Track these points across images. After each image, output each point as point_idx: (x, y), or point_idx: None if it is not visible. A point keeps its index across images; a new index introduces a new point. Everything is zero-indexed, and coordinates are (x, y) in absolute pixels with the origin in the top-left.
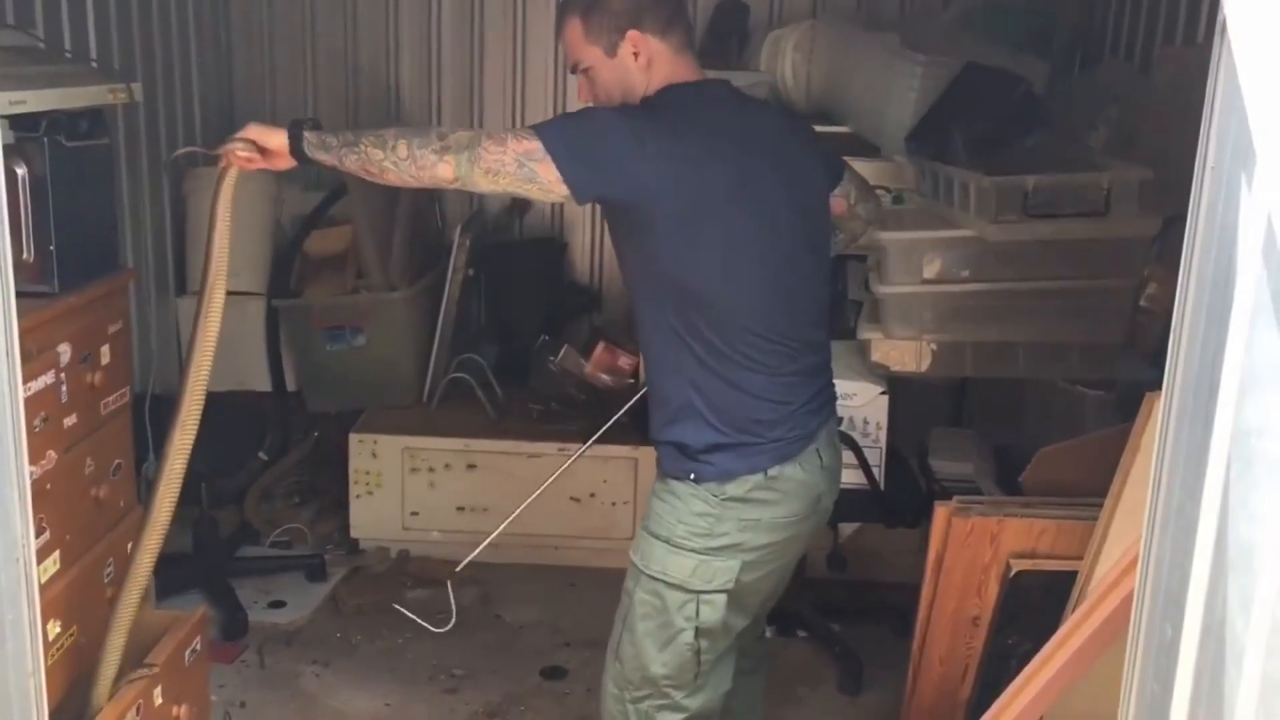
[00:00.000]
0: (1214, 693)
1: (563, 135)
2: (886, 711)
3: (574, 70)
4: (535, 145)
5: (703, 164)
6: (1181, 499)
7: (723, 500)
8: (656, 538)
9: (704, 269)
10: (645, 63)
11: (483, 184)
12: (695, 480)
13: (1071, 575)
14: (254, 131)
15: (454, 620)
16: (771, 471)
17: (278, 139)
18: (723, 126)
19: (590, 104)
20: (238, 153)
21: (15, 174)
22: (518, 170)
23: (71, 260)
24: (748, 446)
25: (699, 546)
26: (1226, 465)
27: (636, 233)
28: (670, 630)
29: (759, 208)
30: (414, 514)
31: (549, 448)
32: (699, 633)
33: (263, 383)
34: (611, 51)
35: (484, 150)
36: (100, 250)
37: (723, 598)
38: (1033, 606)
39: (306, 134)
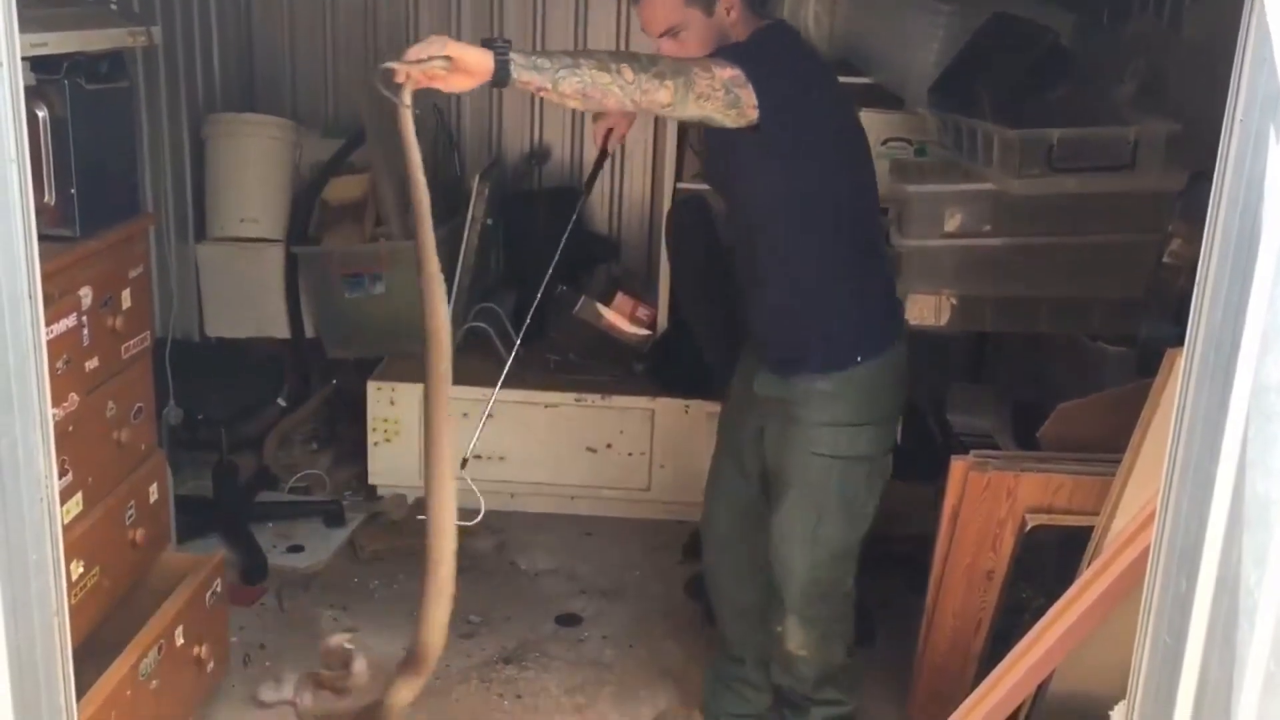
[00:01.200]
0: (1226, 646)
1: (753, 65)
2: (899, 663)
3: (663, 34)
4: (738, 73)
5: (822, 91)
6: (1200, 454)
7: (881, 369)
8: (843, 425)
9: (841, 184)
10: (736, 17)
11: (691, 109)
12: (860, 360)
13: (1087, 530)
14: (454, 48)
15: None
16: (899, 341)
17: (481, 57)
18: (814, 58)
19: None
20: (435, 69)
21: (36, 116)
22: (725, 95)
23: (92, 204)
24: (885, 323)
25: (877, 416)
26: (1245, 421)
27: (786, 159)
28: (867, 495)
29: (854, 130)
30: None
31: (565, 398)
32: (881, 494)
33: (281, 330)
34: (709, 11)
35: (696, 77)
36: (120, 194)
37: (890, 457)
38: (1047, 561)
39: (514, 54)
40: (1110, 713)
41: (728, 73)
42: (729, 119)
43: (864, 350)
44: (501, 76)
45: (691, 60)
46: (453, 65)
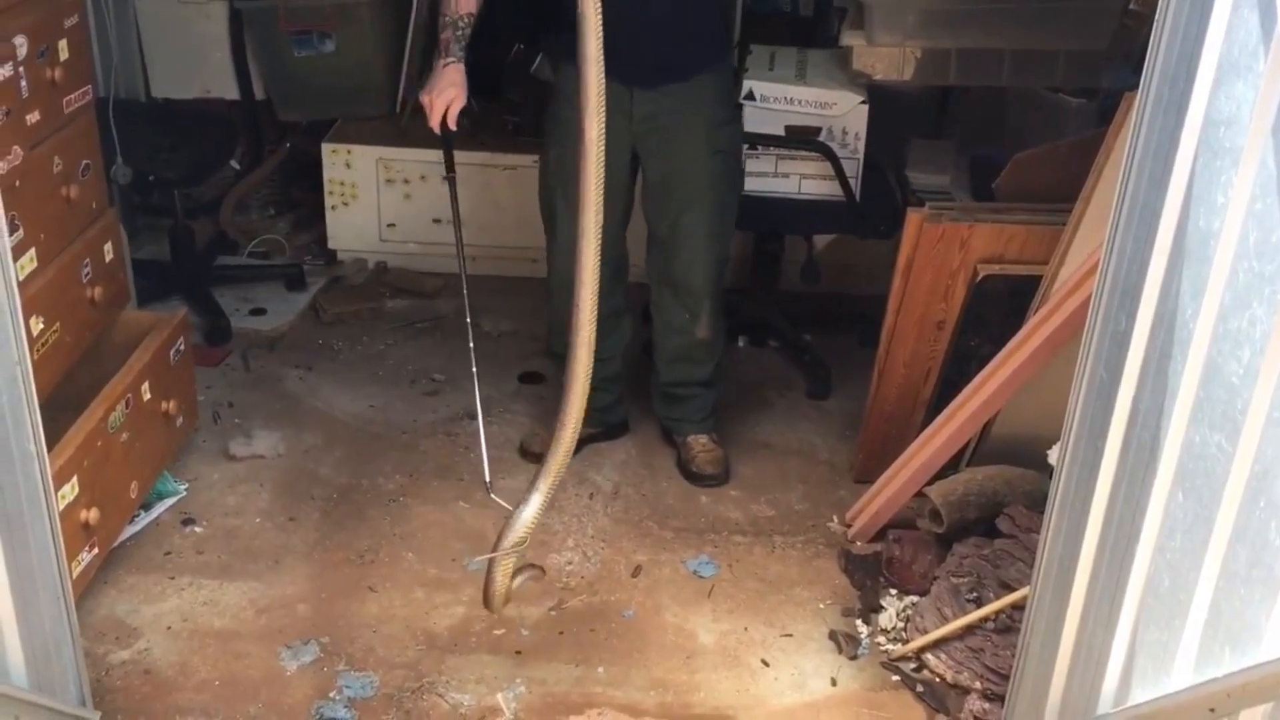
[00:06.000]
0: (1159, 377)
1: None
2: (851, 413)
3: None
4: None
5: None
6: (1148, 192)
7: (730, 68)
8: (726, 123)
9: None
10: None
11: None
12: (724, 59)
13: (1037, 280)
14: None
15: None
16: None
17: None
18: None
19: None
20: None
21: None
22: None
23: None
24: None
25: (737, 113)
26: (1194, 156)
27: None
28: (741, 181)
29: None
30: (390, 225)
31: (524, 159)
32: None
33: (230, 90)
34: None
35: None
36: None
37: None
38: (997, 311)
39: None
40: (1048, 452)
41: None
42: None
43: (725, 48)
44: None
45: None
46: None
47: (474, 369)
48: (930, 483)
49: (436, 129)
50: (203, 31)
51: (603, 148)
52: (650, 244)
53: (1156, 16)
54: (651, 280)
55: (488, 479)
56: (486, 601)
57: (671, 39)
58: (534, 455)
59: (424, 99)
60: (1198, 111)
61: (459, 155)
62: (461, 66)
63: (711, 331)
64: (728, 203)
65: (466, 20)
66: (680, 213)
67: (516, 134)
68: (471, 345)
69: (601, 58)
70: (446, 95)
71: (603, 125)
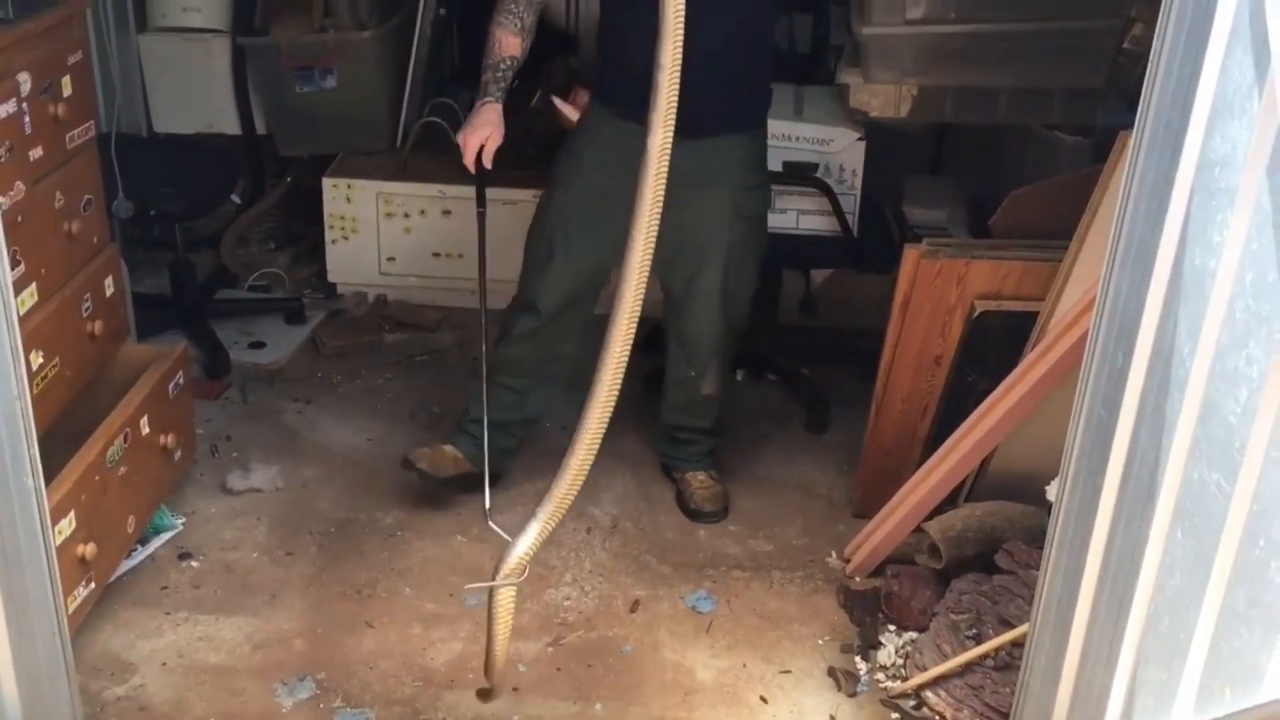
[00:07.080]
0: (1156, 415)
1: None
2: (849, 447)
3: None
4: None
5: None
6: (1144, 231)
7: (764, 134)
8: (755, 186)
9: None
10: None
11: None
12: (760, 123)
13: (1034, 316)
14: None
15: None
16: None
17: None
18: None
19: None
20: None
21: None
22: None
23: None
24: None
25: (767, 177)
26: (1189, 196)
27: None
28: (764, 244)
29: None
30: (390, 259)
31: (524, 194)
32: None
33: (231, 125)
34: None
35: None
36: None
37: None
38: (994, 346)
39: None
40: (1046, 488)
41: None
42: None
43: (764, 112)
44: None
45: None
46: None
47: (484, 392)
48: (929, 518)
49: (470, 167)
50: (205, 67)
51: (665, 166)
52: (664, 297)
53: (1151, 57)
54: (666, 329)
55: (487, 506)
56: (487, 669)
57: (711, 88)
58: (410, 465)
59: (459, 137)
60: (1193, 151)
61: (458, 189)
62: (499, 106)
63: (716, 389)
64: (746, 268)
65: (509, 63)
66: (695, 273)
67: (515, 167)
68: (485, 345)
69: (680, 63)
70: (481, 133)
71: (668, 140)
